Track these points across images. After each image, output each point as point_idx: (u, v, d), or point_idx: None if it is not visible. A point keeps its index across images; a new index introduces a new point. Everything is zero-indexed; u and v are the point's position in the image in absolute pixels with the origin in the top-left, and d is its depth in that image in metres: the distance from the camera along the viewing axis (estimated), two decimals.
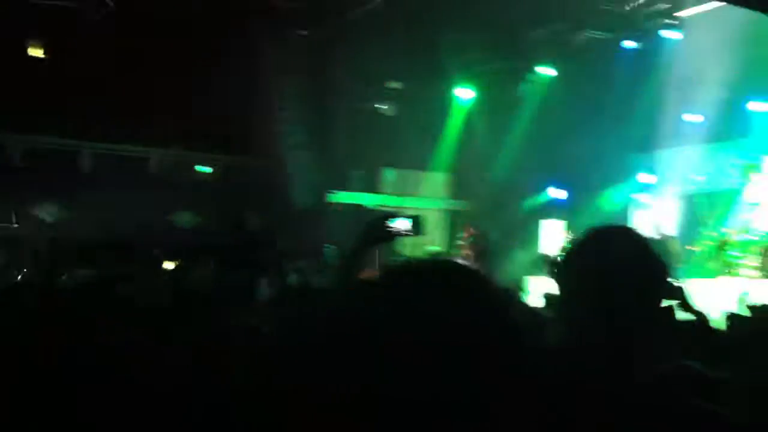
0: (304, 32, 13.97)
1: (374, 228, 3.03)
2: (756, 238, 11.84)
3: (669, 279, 1.90)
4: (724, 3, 9.80)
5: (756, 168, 12.11)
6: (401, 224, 3.10)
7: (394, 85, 15.75)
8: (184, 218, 14.77)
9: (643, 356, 1.77)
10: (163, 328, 3.43)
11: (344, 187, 15.94)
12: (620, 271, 1.73)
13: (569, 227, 14.10)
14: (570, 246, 1.90)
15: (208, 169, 15.74)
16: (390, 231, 3.07)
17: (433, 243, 16.88)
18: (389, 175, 16.87)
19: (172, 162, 15.49)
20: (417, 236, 3.37)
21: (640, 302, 1.75)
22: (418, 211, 16.75)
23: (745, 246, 11.96)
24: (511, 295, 4.52)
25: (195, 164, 15.63)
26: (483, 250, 14.04)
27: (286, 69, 14.19)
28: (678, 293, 4.62)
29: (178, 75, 12.53)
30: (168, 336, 3.33)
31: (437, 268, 1.26)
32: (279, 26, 13.50)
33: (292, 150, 14.62)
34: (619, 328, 1.73)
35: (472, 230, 14.39)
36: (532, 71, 14.35)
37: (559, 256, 1.88)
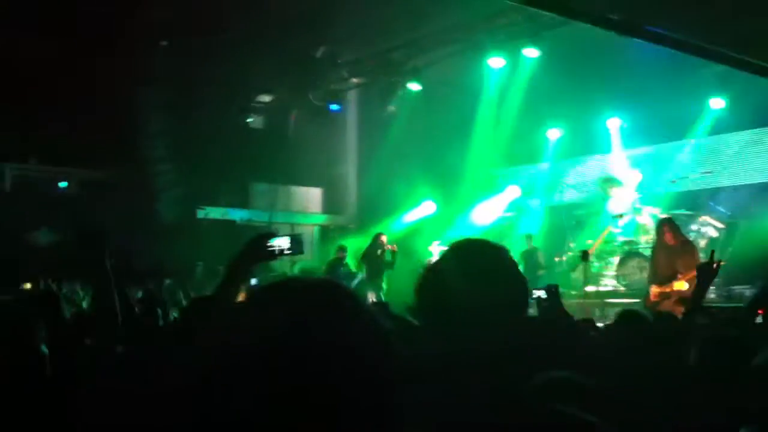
0: (167, 44, 13.52)
1: (254, 247, 2.93)
2: (612, 249, 12.41)
3: (531, 290, 1.90)
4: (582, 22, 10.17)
5: (616, 182, 12.67)
6: (282, 243, 3.03)
7: (264, 98, 15.52)
8: (41, 236, 13.95)
9: (513, 367, 1.75)
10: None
11: (214, 202, 15.53)
12: (478, 283, 1.72)
13: (441, 240, 14.29)
14: (430, 262, 1.89)
15: (65, 184, 14.94)
16: (270, 250, 2.99)
17: (304, 258, 16.75)
18: (260, 189, 16.58)
19: (28, 177, 14.63)
20: (297, 255, 3.32)
21: (501, 312, 1.72)
22: (290, 226, 16.68)
23: (605, 256, 12.51)
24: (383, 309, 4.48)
25: (53, 179, 14.81)
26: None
27: (150, 81, 13.69)
28: (551, 294, 4.75)
29: (35, 86, 11.85)
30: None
31: (308, 287, 1.17)
32: (144, 38, 13.01)
33: (157, 164, 14.10)
34: (482, 338, 1.70)
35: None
36: (402, 86, 14.47)
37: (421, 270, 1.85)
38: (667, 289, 8.82)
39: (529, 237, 13.36)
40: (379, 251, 13.13)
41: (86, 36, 11.94)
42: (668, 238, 9.18)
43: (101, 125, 12.88)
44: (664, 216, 9.85)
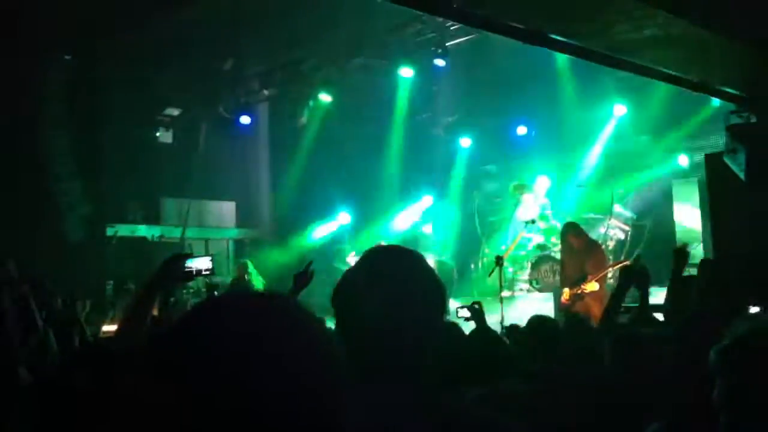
0: (70, 57, 13.11)
1: (171, 267, 2.88)
2: (524, 254, 12.65)
3: (445, 297, 1.86)
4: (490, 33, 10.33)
5: (528, 188, 12.94)
6: (199, 263, 3.01)
7: (173, 112, 15.21)
8: None
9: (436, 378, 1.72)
10: None
11: (123, 219, 15.11)
12: (392, 288, 1.69)
13: (357, 251, 14.29)
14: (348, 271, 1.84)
15: None
16: (188, 271, 2.95)
17: (220, 273, 16.48)
18: (170, 204, 16.23)
19: None
20: (213, 274, 3.31)
21: (418, 317, 1.69)
22: (204, 241, 16.37)
23: (518, 261, 12.74)
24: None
25: None
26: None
27: (49, 95, 13.23)
28: (474, 312, 4.78)
29: None
30: None
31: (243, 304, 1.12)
32: (42, 51, 12.58)
33: (61, 181, 13.62)
34: (399, 347, 1.67)
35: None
36: (313, 97, 14.43)
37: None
38: (579, 291, 9.02)
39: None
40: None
41: None
42: (573, 241, 9.41)
43: (2, 143, 12.39)
44: (567, 222, 10.10)
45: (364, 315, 1.69)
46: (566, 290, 9.23)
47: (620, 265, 11.01)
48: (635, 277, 4.65)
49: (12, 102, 12.45)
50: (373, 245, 1.90)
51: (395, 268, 1.75)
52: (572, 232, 9.51)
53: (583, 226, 10.54)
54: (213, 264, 3.07)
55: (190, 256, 3.02)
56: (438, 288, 1.76)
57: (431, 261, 12.85)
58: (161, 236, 15.60)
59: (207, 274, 3.07)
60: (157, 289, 2.91)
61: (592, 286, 8.85)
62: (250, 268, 13.21)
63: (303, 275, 4.09)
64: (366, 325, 1.69)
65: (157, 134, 15.38)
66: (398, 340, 1.67)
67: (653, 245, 12.26)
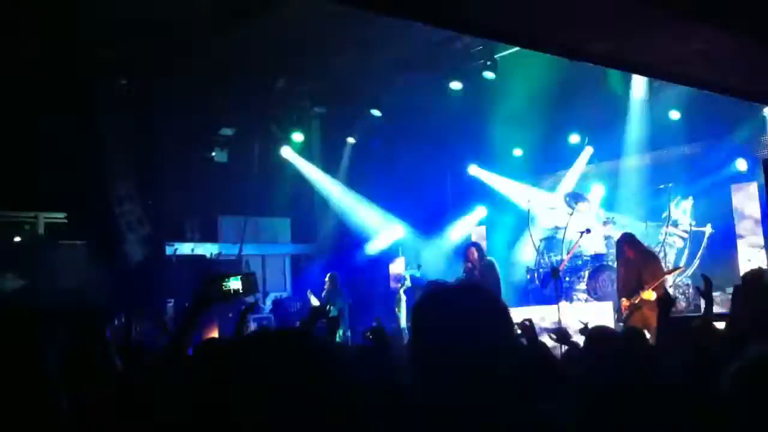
0: (126, 82, 13.45)
1: (208, 289, 2.95)
2: (583, 264, 12.53)
3: (511, 330, 1.94)
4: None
5: (582, 198, 12.83)
6: (235, 284, 3.05)
7: (227, 131, 15.48)
8: (5, 282, 13.71)
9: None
10: None
11: (181, 238, 15.42)
12: (463, 331, 1.80)
13: (411, 265, 14.38)
14: (420, 302, 1.93)
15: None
16: (225, 291, 3.01)
17: (277, 288, 16.71)
18: (227, 222, 16.51)
19: None
20: (251, 294, 3.35)
21: (483, 359, 1.79)
22: (261, 257, 16.60)
23: (575, 271, 12.61)
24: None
25: (18, 225, 14.60)
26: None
27: (107, 120, 13.60)
28: (527, 331, 4.77)
29: None
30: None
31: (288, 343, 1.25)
32: (101, 76, 12.94)
33: (122, 203, 13.97)
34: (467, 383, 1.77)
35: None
36: (365, 113, 14.54)
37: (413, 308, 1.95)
38: (636, 300, 8.92)
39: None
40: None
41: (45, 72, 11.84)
42: (629, 252, 9.30)
43: (63, 166, 12.76)
44: (623, 232, 9.98)
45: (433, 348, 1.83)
46: (624, 300, 9.13)
47: (676, 271, 10.88)
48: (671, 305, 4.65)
49: (74, 125, 12.85)
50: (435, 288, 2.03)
51: (466, 311, 1.86)
52: (628, 243, 9.41)
53: (640, 234, 10.41)
54: (246, 284, 3.12)
55: (227, 276, 3.08)
56: (504, 330, 1.89)
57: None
58: (219, 254, 15.87)
59: (244, 294, 3.14)
60: (197, 314, 2.98)
61: (648, 295, 8.74)
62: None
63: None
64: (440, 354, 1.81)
65: (213, 154, 15.66)
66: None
67: (713, 251, 12.03)
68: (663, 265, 10.48)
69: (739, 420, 1.99)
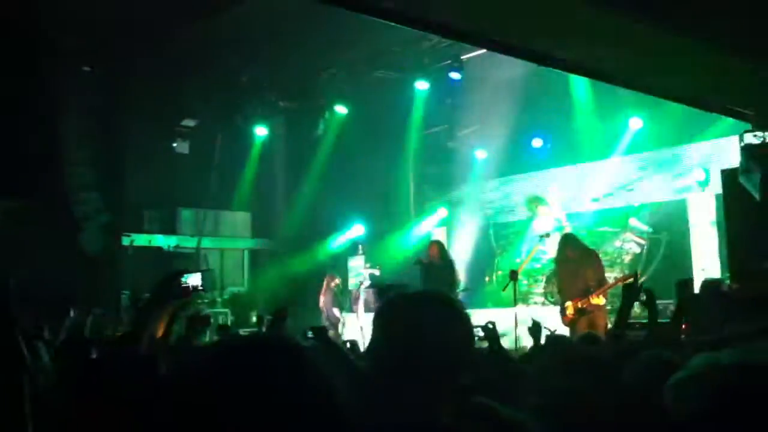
0: (89, 69, 13.24)
1: (167, 285, 2.93)
2: (540, 267, 12.64)
3: (472, 341, 1.98)
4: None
5: (542, 201, 12.91)
6: (194, 280, 3.04)
7: (189, 123, 15.32)
8: None
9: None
10: None
11: (140, 229, 15.22)
12: (423, 338, 1.80)
13: (370, 263, 14.34)
14: (383, 307, 1.95)
15: None
16: (184, 287, 2.99)
17: (235, 283, 16.59)
18: (186, 214, 16.34)
19: None
20: (210, 291, 3.35)
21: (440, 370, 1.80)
22: (219, 251, 16.46)
23: (533, 274, 12.73)
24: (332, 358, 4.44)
25: None
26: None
27: (69, 106, 13.37)
28: (490, 334, 4.77)
29: None
30: None
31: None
32: (63, 64, 12.72)
33: (80, 191, 13.74)
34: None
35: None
36: (328, 109, 14.50)
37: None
38: (584, 305, 8.95)
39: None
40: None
41: (4, 60, 11.59)
42: (570, 253, 9.34)
43: (22, 152, 12.51)
44: (564, 233, 10.06)
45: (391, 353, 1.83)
46: (569, 304, 9.12)
47: (628, 279, 10.97)
48: (638, 295, 4.64)
49: (32, 112, 12.59)
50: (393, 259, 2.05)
51: (428, 317, 1.86)
52: (569, 244, 9.45)
53: (598, 240, 10.53)
54: (206, 281, 3.11)
55: (185, 272, 3.06)
56: (465, 339, 1.89)
57: None
58: (177, 246, 15.71)
59: (202, 290, 3.13)
60: (156, 309, 2.97)
61: (598, 301, 8.80)
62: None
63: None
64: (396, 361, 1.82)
65: (174, 144, 15.48)
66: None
67: (670, 259, 12.21)
68: (617, 271, 10.62)
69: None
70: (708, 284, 5.45)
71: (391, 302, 1.93)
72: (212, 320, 10.96)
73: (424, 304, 1.92)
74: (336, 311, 13.02)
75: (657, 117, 12.26)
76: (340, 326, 12.74)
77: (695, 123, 11.64)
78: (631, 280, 5.19)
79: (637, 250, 12.52)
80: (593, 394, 3.76)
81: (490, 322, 4.82)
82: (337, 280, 13.34)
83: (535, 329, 5.06)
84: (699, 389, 1.91)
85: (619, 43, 4.58)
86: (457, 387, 1.84)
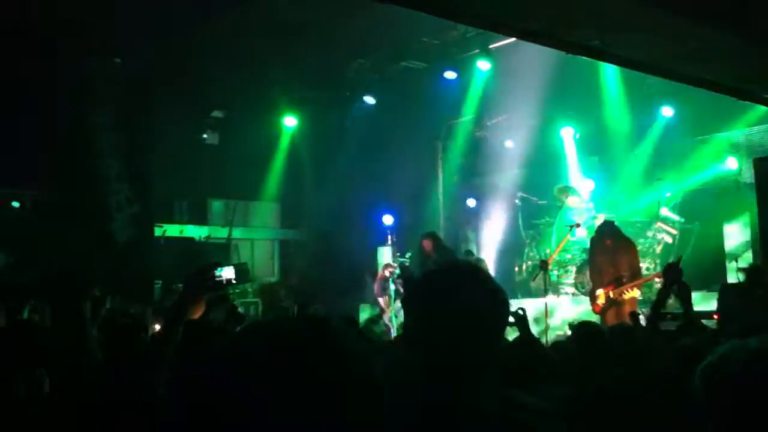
0: (119, 61, 13.38)
1: (199, 278, 2.96)
2: (570, 257, 12.56)
3: (507, 314, 1.92)
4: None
5: (572, 191, 12.81)
6: (227, 273, 3.08)
7: (218, 114, 15.42)
8: None
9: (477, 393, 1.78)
10: None
11: (170, 220, 15.37)
12: (461, 312, 1.76)
13: (399, 252, 14.34)
14: (415, 283, 1.95)
15: (16, 204, 14.59)
16: (216, 281, 3.03)
17: (265, 273, 16.69)
18: (216, 205, 16.47)
19: None
20: (243, 284, 3.41)
21: (477, 342, 1.77)
22: (250, 241, 16.57)
23: (563, 265, 12.65)
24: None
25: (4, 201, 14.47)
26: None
27: (99, 98, 13.52)
28: (518, 318, 4.76)
29: None
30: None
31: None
32: (93, 56, 12.85)
33: (111, 183, 13.90)
34: (457, 366, 1.75)
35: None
36: (357, 100, 14.52)
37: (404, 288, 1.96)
38: (615, 295, 8.89)
39: (468, 253, 13.53)
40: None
41: (35, 52, 11.74)
42: (606, 240, 9.29)
43: (52, 144, 12.68)
44: (603, 221, 9.98)
45: (434, 331, 1.79)
46: (600, 292, 9.07)
47: (657, 277, 10.84)
48: (680, 276, 4.56)
49: (64, 104, 12.75)
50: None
51: (464, 291, 1.82)
52: (608, 232, 9.40)
53: (628, 230, 10.42)
54: (240, 274, 3.15)
55: (219, 265, 3.10)
56: (498, 307, 1.84)
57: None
58: (208, 236, 15.84)
59: (236, 283, 3.17)
60: (189, 302, 2.99)
61: (632, 293, 8.75)
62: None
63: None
64: (434, 343, 1.79)
65: (204, 136, 15.60)
66: (458, 358, 1.77)
67: (701, 249, 12.08)
68: (648, 261, 10.53)
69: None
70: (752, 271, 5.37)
71: (424, 280, 1.93)
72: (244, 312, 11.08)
73: (460, 279, 1.87)
74: (382, 300, 13.04)
75: (688, 106, 12.13)
76: (384, 316, 12.76)
77: (727, 112, 11.51)
78: (674, 261, 5.09)
79: (669, 240, 12.39)
80: (628, 384, 3.76)
81: (520, 308, 4.80)
82: (390, 269, 13.32)
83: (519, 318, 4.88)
84: (726, 374, 1.91)
85: (657, 32, 4.53)
86: (492, 372, 1.83)
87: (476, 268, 2.01)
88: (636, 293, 8.70)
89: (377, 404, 1.15)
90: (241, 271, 3.22)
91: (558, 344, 5.37)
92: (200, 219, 16.11)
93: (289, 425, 1.07)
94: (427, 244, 10.37)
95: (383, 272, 12.97)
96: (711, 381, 1.95)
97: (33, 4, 10.86)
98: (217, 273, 3.05)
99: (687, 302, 4.69)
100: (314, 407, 1.08)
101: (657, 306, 4.51)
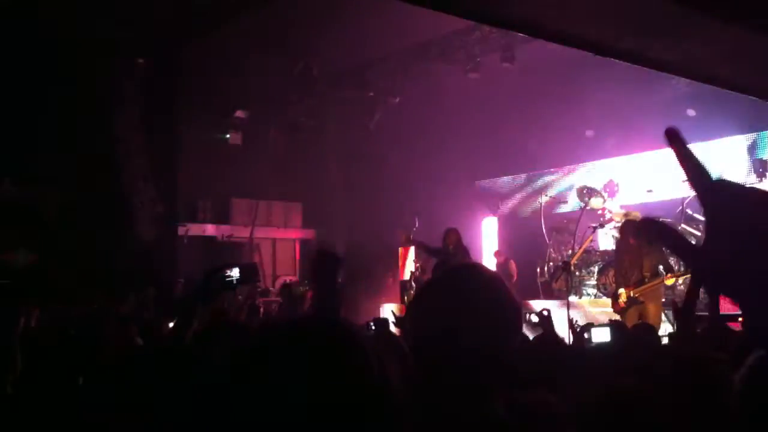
0: (143, 61, 13.47)
1: (212, 279, 2.99)
2: (595, 258, 12.48)
3: (520, 315, 1.88)
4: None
5: (595, 191, 12.73)
6: (236, 272, 3.11)
7: (242, 114, 15.50)
8: (20, 256, 13.74)
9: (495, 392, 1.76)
10: None
11: (193, 219, 15.48)
12: (470, 311, 1.73)
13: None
14: (423, 284, 1.96)
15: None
16: (228, 281, 3.06)
17: (287, 273, 16.74)
18: (239, 204, 16.56)
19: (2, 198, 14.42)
20: (254, 283, 3.42)
21: (491, 342, 1.74)
22: (272, 240, 16.62)
23: (585, 266, 12.57)
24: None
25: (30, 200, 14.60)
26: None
27: (123, 98, 13.62)
28: (545, 323, 4.76)
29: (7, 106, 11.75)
30: None
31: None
32: (117, 56, 12.96)
33: (134, 181, 14.00)
34: (471, 366, 1.72)
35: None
36: (382, 100, 14.53)
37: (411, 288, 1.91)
38: (637, 295, 8.85)
39: (499, 253, 13.50)
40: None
41: (58, 53, 11.85)
42: (631, 239, 9.23)
43: (77, 144, 12.79)
44: (626, 220, 9.92)
45: (439, 332, 1.76)
46: (623, 292, 9.03)
47: (681, 276, 10.75)
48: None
49: (88, 104, 12.86)
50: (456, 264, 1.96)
51: (472, 290, 1.79)
52: (631, 231, 9.34)
53: None
54: (244, 273, 3.18)
55: (229, 266, 3.13)
56: (511, 310, 1.80)
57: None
58: (231, 235, 15.92)
59: (245, 282, 3.20)
60: (199, 303, 3.03)
61: (669, 281, 8.77)
62: None
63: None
64: (441, 344, 1.75)
65: (227, 136, 15.68)
66: (473, 358, 1.73)
67: None
68: (672, 261, 10.39)
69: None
70: None
71: (432, 281, 1.90)
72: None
73: (468, 280, 1.84)
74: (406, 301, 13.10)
75: (713, 106, 12.01)
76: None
77: (753, 113, 11.39)
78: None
79: (693, 241, 12.27)
80: (656, 390, 3.71)
81: (545, 309, 4.80)
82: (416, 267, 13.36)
83: (543, 320, 4.85)
84: (756, 385, 1.87)
85: (687, 34, 4.50)
86: (509, 374, 1.81)
87: (483, 269, 1.97)
88: (671, 281, 8.70)
89: (391, 406, 1.16)
90: (248, 271, 3.25)
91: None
92: (223, 218, 16.21)
93: (299, 425, 1.08)
94: (451, 238, 10.44)
95: (412, 273, 13.04)
96: (742, 391, 1.91)
97: (55, 5, 10.95)
98: (228, 273, 3.09)
99: (714, 304, 4.63)
100: (328, 407, 1.09)
101: (689, 300, 4.46)
